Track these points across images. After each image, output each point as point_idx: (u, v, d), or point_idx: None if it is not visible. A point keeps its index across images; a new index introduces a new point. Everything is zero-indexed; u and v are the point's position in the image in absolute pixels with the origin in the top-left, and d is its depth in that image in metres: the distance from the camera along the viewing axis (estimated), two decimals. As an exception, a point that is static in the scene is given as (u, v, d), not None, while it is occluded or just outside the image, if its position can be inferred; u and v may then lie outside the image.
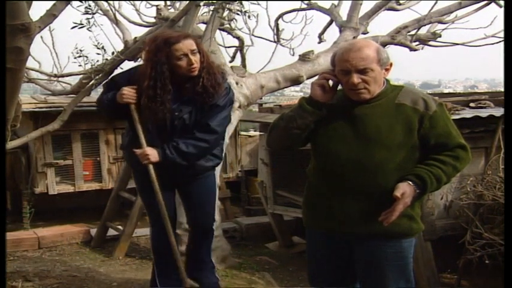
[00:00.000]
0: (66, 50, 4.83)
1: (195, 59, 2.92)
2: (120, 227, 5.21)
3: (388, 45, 5.09)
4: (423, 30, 5.40)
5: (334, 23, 5.24)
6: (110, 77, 3.27)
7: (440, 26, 5.46)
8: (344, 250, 2.41)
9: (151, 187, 3.02)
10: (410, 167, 2.28)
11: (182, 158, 2.99)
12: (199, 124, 3.01)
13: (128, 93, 2.96)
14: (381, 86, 2.32)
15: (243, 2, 4.18)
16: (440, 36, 5.47)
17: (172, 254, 3.10)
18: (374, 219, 2.26)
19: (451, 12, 5.25)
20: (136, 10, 5.34)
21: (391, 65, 2.33)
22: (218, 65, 3.39)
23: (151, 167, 2.99)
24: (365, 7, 5.06)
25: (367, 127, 2.28)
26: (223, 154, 3.35)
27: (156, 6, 4.94)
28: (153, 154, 2.97)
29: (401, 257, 2.36)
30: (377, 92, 2.30)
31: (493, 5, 5.16)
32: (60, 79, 5.46)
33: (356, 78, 2.25)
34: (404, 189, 2.21)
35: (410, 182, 2.22)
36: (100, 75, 4.59)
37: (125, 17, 5.31)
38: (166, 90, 2.92)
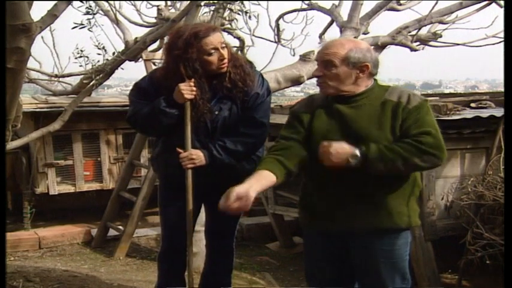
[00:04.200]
0: (67, 50, 4.83)
1: (225, 53, 2.67)
2: (120, 227, 5.22)
3: (388, 46, 5.09)
4: (424, 31, 5.38)
5: (334, 23, 5.23)
6: (134, 86, 2.84)
7: (441, 26, 5.45)
8: (340, 249, 2.42)
9: (180, 199, 2.73)
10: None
11: (231, 158, 2.71)
12: (243, 119, 2.74)
13: (187, 88, 2.64)
14: (359, 86, 2.34)
15: (244, 2, 4.18)
16: (441, 36, 5.46)
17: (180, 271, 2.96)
18: (365, 216, 2.29)
19: (452, 12, 5.23)
20: (137, 10, 5.33)
21: (366, 66, 2.32)
22: (242, 55, 3.06)
23: (190, 172, 2.70)
24: (366, 7, 5.06)
25: (355, 128, 2.30)
26: None
27: (157, 6, 4.93)
28: (198, 157, 2.68)
29: (395, 254, 2.37)
30: (348, 89, 2.33)
31: (493, 5, 5.15)
32: (61, 79, 5.45)
33: (317, 71, 2.36)
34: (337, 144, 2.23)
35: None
36: (101, 75, 4.59)
37: (125, 17, 5.30)
38: (203, 89, 2.67)
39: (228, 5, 4.17)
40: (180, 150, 2.69)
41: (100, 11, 4.71)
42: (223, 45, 2.68)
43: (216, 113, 2.72)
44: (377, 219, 2.30)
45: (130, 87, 2.96)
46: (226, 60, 2.67)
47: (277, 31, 5.15)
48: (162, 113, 2.67)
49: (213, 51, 2.64)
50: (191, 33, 2.63)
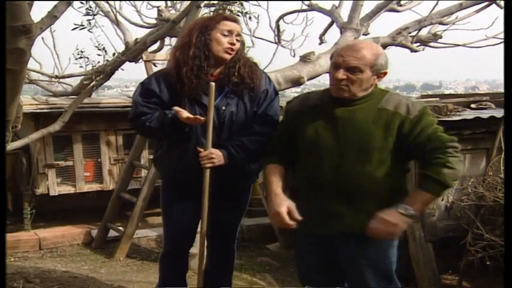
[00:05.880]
0: (67, 51, 4.84)
1: (237, 44, 2.71)
2: (121, 228, 5.22)
3: (388, 47, 5.09)
4: (424, 32, 5.39)
5: (335, 24, 5.24)
6: (138, 86, 2.82)
7: (441, 27, 5.46)
8: (330, 250, 2.44)
9: (183, 200, 2.76)
10: (387, 170, 2.30)
11: (248, 157, 2.68)
12: (257, 117, 2.72)
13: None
14: (366, 91, 2.34)
15: (244, 3, 4.19)
16: (441, 37, 5.46)
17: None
18: (352, 220, 2.30)
19: (452, 13, 5.24)
20: (138, 11, 5.34)
21: (385, 73, 2.35)
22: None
23: (208, 172, 2.65)
24: (366, 8, 5.07)
25: (347, 131, 2.31)
26: None
27: (157, 7, 4.94)
28: (218, 156, 2.63)
29: (382, 257, 2.40)
30: (359, 94, 2.33)
31: (493, 6, 5.16)
32: (61, 80, 5.46)
33: (341, 74, 2.28)
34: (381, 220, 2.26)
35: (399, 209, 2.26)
36: (101, 76, 4.60)
37: (125, 18, 5.32)
38: (210, 63, 2.67)
39: (228, 6, 4.18)
40: (200, 150, 2.64)
41: (100, 12, 4.73)
42: (238, 38, 2.73)
43: (224, 108, 2.68)
44: (366, 223, 2.30)
45: (131, 88, 2.96)
46: (234, 48, 2.70)
47: (278, 32, 5.16)
48: (171, 129, 2.63)
49: (227, 33, 2.69)
50: (216, 14, 2.85)
